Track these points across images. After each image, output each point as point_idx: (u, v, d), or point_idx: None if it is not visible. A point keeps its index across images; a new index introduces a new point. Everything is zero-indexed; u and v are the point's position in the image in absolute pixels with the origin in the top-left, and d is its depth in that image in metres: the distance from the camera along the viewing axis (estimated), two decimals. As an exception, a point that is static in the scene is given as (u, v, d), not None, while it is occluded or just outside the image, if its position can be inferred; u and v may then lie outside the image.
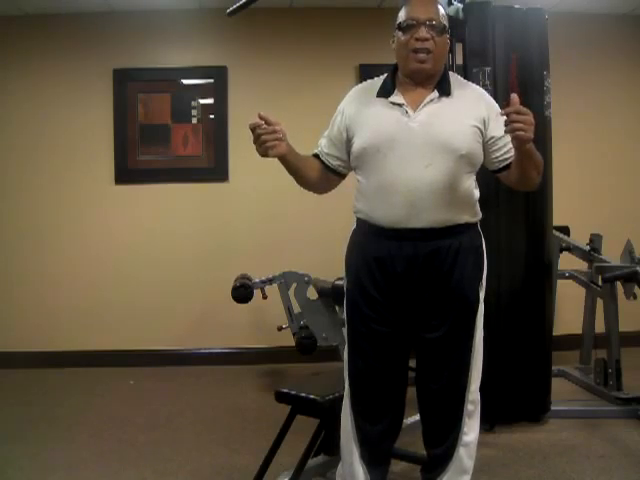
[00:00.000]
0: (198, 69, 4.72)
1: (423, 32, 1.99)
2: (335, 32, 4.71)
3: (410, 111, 2.03)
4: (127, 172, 4.68)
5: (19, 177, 4.65)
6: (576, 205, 4.47)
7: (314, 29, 4.73)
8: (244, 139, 4.76)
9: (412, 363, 2.18)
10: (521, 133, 1.79)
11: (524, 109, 1.78)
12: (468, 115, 2.03)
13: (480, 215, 2.14)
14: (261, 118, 1.94)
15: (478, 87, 2.24)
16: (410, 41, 2.01)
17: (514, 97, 1.81)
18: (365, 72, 4.53)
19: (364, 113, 2.09)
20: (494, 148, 2.06)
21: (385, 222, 2.04)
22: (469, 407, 2.10)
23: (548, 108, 3.22)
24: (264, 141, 1.95)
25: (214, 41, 4.74)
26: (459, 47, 3.24)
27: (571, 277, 3.97)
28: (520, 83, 3.14)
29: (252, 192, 4.68)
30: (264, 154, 1.98)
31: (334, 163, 2.18)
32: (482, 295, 2.11)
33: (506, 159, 2.05)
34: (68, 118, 4.65)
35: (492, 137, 2.04)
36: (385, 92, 2.09)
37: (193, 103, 4.72)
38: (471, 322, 2.08)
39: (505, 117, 1.80)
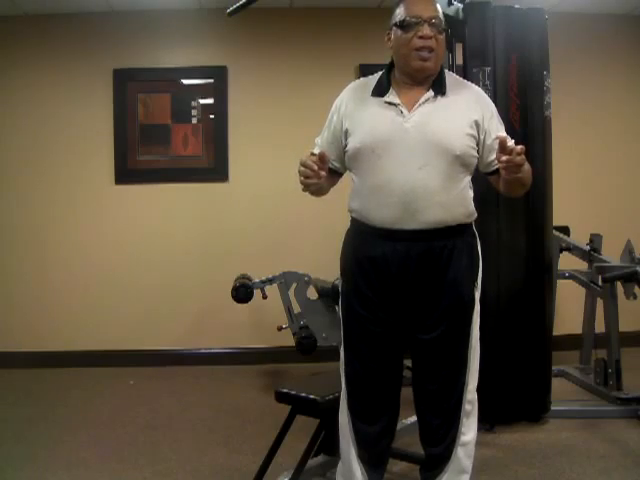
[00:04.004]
0: (198, 69, 4.72)
1: (427, 30, 1.99)
2: (335, 32, 4.71)
3: (405, 111, 2.02)
4: (127, 172, 4.68)
5: (18, 177, 4.64)
6: (576, 205, 4.47)
7: (314, 29, 4.73)
8: (244, 139, 4.82)
9: (408, 363, 2.18)
10: (512, 173, 1.89)
11: (518, 148, 1.83)
12: (463, 115, 2.03)
13: (475, 215, 2.13)
14: (320, 158, 1.94)
15: (475, 86, 2.23)
16: (413, 39, 1.99)
17: (503, 141, 1.85)
18: (365, 72, 4.49)
19: (359, 113, 2.09)
20: (487, 149, 2.05)
21: (379, 222, 2.04)
22: (467, 407, 2.10)
23: (548, 108, 3.23)
24: (307, 183, 1.98)
25: (214, 41, 4.74)
26: (459, 47, 3.24)
27: (571, 277, 3.97)
28: (520, 83, 3.15)
29: (252, 192, 4.68)
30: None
31: (336, 165, 2.18)
32: (477, 295, 2.11)
33: (495, 164, 2.01)
34: (68, 118, 4.64)
35: (487, 137, 2.04)
36: (380, 91, 2.08)
37: (193, 103, 4.72)
38: (467, 322, 2.08)
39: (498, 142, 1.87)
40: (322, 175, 1.95)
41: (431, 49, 2.00)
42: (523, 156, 1.85)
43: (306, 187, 2.00)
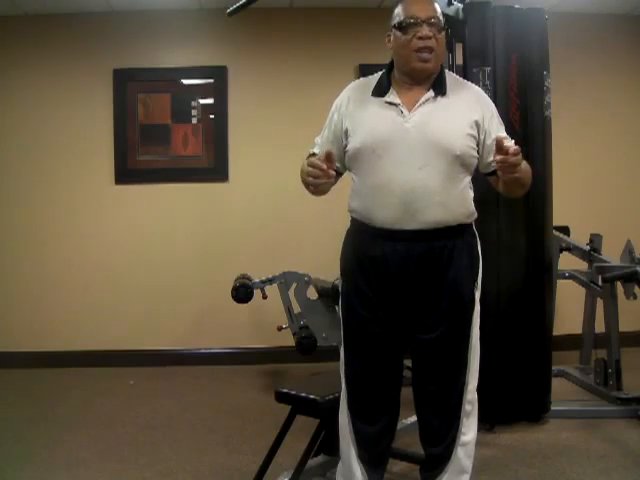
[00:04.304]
0: (198, 69, 4.72)
1: (426, 30, 1.98)
2: (335, 32, 4.71)
3: (405, 111, 2.02)
4: (127, 172, 4.68)
5: (18, 177, 4.64)
6: (576, 205, 4.47)
7: (314, 29, 4.73)
8: (244, 139, 4.82)
9: (408, 363, 2.18)
10: (508, 174, 1.89)
11: (512, 148, 1.83)
12: (463, 115, 2.03)
13: (475, 216, 2.13)
14: (327, 157, 1.94)
15: (475, 86, 2.23)
16: (412, 40, 1.99)
17: (499, 141, 1.85)
18: (365, 72, 4.46)
19: (359, 113, 2.09)
20: (487, 150, 2.05)
21: (379, 223, 2.04)
22: (467, 407, 2.10)
23: (548, 108, 3.23)
24: (317, 184, 1.98)
25: (214, 41, 4.74)
26: (459, 47, 3.24)
27: (571, 277, 3.97)
28: (520, 83, 3.15)
29: (252, 192, 4.68)
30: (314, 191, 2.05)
31: (336, 164, 2.17)
32: (478, 295, 2.11)
33: (494, 164, 1.99)
34: (68, 118, 4.65)
35: (487, 138, 2.04)
36: (380, 91, 2.08)
37: (193, 103, 4.72)
38: (467, 322, 2.08)
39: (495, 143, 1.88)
40: (331, 174, 1.95)
41: (431, 49, 2.00)
42: (520, 156, 1.85)
43: (315, 187, 2.00)
